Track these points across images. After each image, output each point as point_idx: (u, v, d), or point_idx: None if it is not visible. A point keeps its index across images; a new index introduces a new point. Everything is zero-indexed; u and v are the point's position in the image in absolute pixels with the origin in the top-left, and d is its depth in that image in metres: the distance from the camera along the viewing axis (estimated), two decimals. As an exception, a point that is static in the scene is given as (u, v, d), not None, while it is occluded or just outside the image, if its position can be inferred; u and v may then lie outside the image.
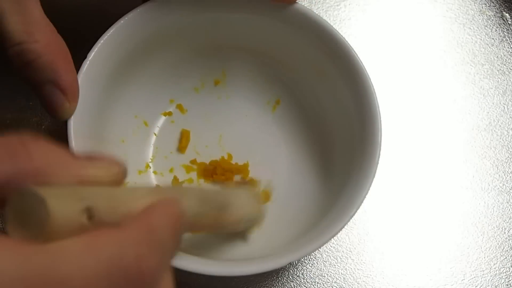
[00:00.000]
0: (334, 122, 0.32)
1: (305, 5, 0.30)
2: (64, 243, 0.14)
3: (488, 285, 0.34)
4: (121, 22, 0.28)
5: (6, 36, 0.23)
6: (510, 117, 0.38)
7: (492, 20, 0.40)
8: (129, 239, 0.15)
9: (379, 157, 0.27)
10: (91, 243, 0.14)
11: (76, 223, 0.15)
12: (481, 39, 0.40)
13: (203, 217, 0.22)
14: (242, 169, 0.33)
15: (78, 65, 0.26)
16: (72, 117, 0.26)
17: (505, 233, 0.35)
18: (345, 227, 0.26)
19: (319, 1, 0.40)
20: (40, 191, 0.15)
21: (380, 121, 0.28)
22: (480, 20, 0.40)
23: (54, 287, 0.13)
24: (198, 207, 0.22)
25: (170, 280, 0.18)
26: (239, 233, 0.30)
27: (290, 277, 0.33)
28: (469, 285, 0.34)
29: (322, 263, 0.33)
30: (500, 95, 0.38)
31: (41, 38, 0.23)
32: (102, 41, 0.27)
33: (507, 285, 0.34)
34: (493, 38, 0.40)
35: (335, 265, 0.33)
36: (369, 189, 0.26)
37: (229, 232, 0.29)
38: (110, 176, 0.17)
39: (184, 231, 0.18)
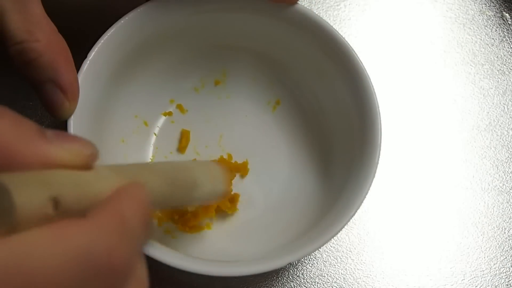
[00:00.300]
0: (334, 122, 0.32)
1: (305, 5, 0.30)
2: (30, 234, 0.13)
3: (488, 285, 0.34)
4: (121, 22, 0.28)
5: (7, 35, 0.23)
6: (510, 117, 0.38)
7: (492, 20, 0.40)
8: (98, 229, 0.14)
9: (379, 157, 0.27)
10: (58, 234, 0.13)
11: (41, 213, 0.14)
12: (481, 39, 0.40)
13: (169, 196, 0.22)
14: (242, 168, 0.33)
15: (78, 65, 0.26)
16: (72, 117, 0.26)
17: (505, 233, 0.35)
18: (345, 227, 0.26)
19: (319, 1, 0.40)
20: (4, 180, 0.14)
21: (380, 121, 0.28)
22: (480, 20, 0.40)
23: (20, 281, 0.12)
24: (165, 187, 0.21)
25: (144, 269, 0.17)
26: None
27: (290, 277, 0.33)
28: (469, 285, 0.34)
29: (322, 263, 0.33)
30: (500, 95, 0.38)
31: (42, 37, 0.23)
32: (102, 41, 0.27)
33: (507, 285, 0.34)
34: (493, 38, 0.40)
35: (335, 265, 0.33)
36: (369, 189, 0.26)
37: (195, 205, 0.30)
38: (79, 160, 0.17)
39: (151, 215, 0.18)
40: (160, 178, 0.21)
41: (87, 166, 0.17)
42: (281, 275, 0.33)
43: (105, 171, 0.18)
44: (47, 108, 0.25)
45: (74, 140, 0.17)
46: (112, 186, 0.17)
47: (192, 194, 0.24)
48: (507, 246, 0.35)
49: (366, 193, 0.26)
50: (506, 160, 0.37)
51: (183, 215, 0.30)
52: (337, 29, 0.29)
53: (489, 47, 0.40)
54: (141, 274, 0.17)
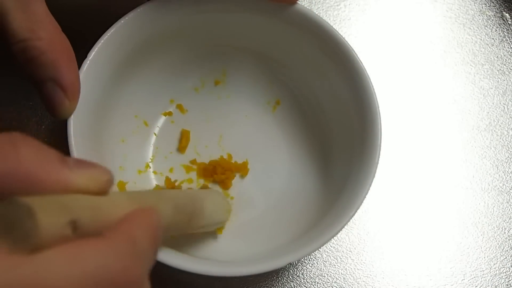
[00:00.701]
0: (334, 122, 0.32)
1: (305, 5, 0.30)
2: (49, 253, 0.14)
3: (488, 285, 0.34)
4: (121, 22, 0.28)
5: (10, 33, 0.23)
6: (510, 117, 0.38)
7: (492, 20, 0.40)
8: (113, 250, 0.15)
9: (379, 157, 0.27)
10: (76, 253, 0.14)
11: (61, 234, 0.15)
12: (481, 39, 0.40)
13: (177, 223, 0.23)
14: (242, 168, 0.33)
15: (78, 65, 0.26)
16: (72, 116, 0.26)
17: (505, 233, 0.35)
18: (345, 227, 0.26)
19: (319, 1, 0.40)
20: (29, 203, 0.15)
21: (380, 121, 0.28)
22: (480, 20, 0.40)
23: None
24: (172, 214, 0.23)
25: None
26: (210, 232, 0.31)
27: (290, 277, 0.33)
28: (469, 285, 0.34)
29: (322, 263, 0.33)
30: (500, 95, 0.38)
31: (45, 35, 0.23)
32: (102, 41, 0.27)
33: (507, 285, 0.34)
34: (493, 38, 0.40)
35: (335, 265, 0.33)
36: (369, 189, 0.26)
37: (197, 232, 0.30)
38: (96, 187, 0.17)
39: (161, 239, 0.19)
40: (170, 205, 0.23)
41: (104, 191, 0.18)
42: (281, 275, 0.33)
43: (119, 197, 0.19)
44: (47, 107, 0.25)
45: (93, 167, 0.18)
46: (125, 211, 0.18)
47: (199, 222, 0.25)
48: (507, 246, 0.35)
49: (366, 193, 0.26)
50: (506, 160, 0.37)
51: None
52: (337, 29, 0.29)
53: (489, 47, 0.40)
54: None
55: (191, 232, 0.28)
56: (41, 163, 0.16)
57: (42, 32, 0.23)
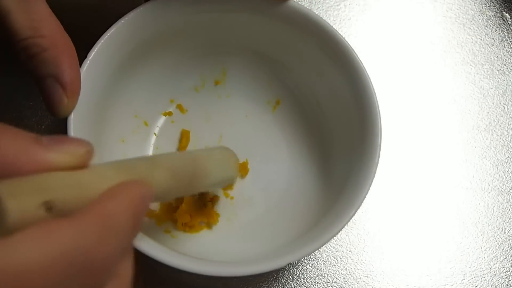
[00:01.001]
0: (334, 122, 0.32)
1: (305, 5, 0.30)
2: (18, 236, 0.14)
3: (488, 285, 0.34)
4: (121, 22, 0.28)
5: (13, 32, 0.24)
6: (510, 117, 0.38)
7: (492, 20, 0.40)
8: (80, 229, 0.15)
9: (379, 157, 0.27)
10: (43, 234, 0.14)
11: (36, 216, 0.15)
12: (481, 39, 0.40)
13: (176, 187, 0.22)
14: (242, 168, 0.33)
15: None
16: (72, 116, 0.26)
17: (505, 233, 0.35)
18: (345, 227, 0.26)
19: (319, 1, 0.40)
20: None
21: (380, 121, 0.28)
22: (480, 20, 0.40)
23: (9, 279, 0.13)
24: (169, 180, 0.22)
25: (129, 267, 0.18)
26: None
27: (290, 277, 0.33)
28: (469, 285, 0.34)
29: (322, 263, 0.33)
30: (500, 95, 0.38)
31: (47, 33, 0.24)
32: (102, 41, 0.27)
33: (507, 285, 0.34)
34: (493, 38, 0.40)
35: (335, 265, 0.33)
36: (369, 189, 0.26)
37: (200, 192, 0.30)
38: (75, 160, 0.17)
39: (147, 209, 0.18)
40: (165, 171, 0.22)
41: (84, 164, 0.18)
42: (281, 275, 0.33)
43: (104, 169, 0.18)
44: (46, 104, 0.25)
45: (68, 141, 0.18)
46: (109, 184, 0.17)
47: (202, 182, 0.25)
48: (507, 246, 0.35)
49: (366, 193, 0.26)
50: (506, 160, 0.37)
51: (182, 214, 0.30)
52: (337, 29, 0.29)
53: (489, 47, 0.40)
54: (125, 272, 0.18)
55: (197, 192, 0.28)
56: (14, 145, 0.16)
57: (44, 30, 0.24)
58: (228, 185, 0.30)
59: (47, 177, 0.16)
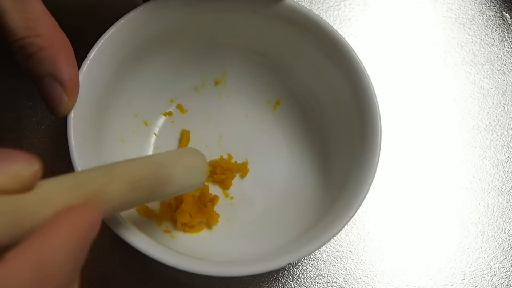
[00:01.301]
0: (334, 122, 0.32)
1: (305, 5, 0.30)
2: None
3: (488, 285, 0.34)
4: (121, 22, 0.28)
5: (9, 32, 0.23)
6: (510, 117, 0.38)
7: (492, 20, 0.40)
8: (12, 277, 0.13)
9: (378, 157, 0.27)
10: None
11: None
12: (481, 39, 0.40)
13: (134, 199, 0.21)
14: (242, 168, 0.33)
15: (78, 65, 0.26)
16: (72, 116, 0.25)
17: (505, 233, 0.35)
18: (345, 227, 0.26)
19: (319, 1, 0.40)
20: None
21: (380, 121, 0.28)
22: (480, 20, 0.40)
23: None
24: (127, 193, 0.21)
25: None
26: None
27: (290, 277, 0.33)
28: (469, 285, 0.34)
29: (322, 263, 0.33)
30: (500, 95, 0.38)
31: (43, 32, 0.23)
32: (102, 41, 0.27)
33: (507, 285, 0.34)
34: (493, 38, 0.40)
35: (335, 265, 0.33)
36: (368, 189, 0.26)
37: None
38: (17, 185, 0.15)
39: (94, 235, 0.17)
40: (123, 184, 0.20)
41: (27, 187, 0.16)
42: (281, 275, 0.33)
43: (51, 189, 0.17)
44: (45, 104, 0.24)
45: (12, 160, 0.15)
46: (54, 208, 0.16)
47: (165, 191, 0.24)
48: (507, 246, 0.35)
49: (366, 193, 0.26)
50: (506, 160, 0.37)
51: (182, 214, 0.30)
52: (337, 29, 0.29)
53: (489, 47, 0.40)
54: None
55: (159, 200, 0.27)
56: None
57: (40, 29, 0.23)
58: (195, 189, 0.29)
59: None
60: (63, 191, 0.17)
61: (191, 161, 0.26)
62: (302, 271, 0.33)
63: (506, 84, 0.39)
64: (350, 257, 0.34)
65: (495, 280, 0.34)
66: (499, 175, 0.36)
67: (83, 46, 0.27)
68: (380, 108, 0.28)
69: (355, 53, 0.29)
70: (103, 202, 0.19)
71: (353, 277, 0.33)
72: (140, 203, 0.23)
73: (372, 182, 0.27)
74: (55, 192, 0.17)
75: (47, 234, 0.15)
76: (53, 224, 0.15)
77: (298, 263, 0.33)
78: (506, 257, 0.34)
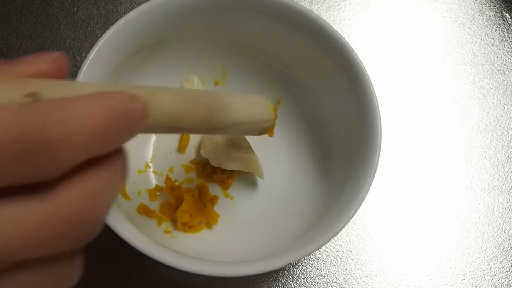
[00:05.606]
0: (334, 122, 0.32)
1: (305, 5, 0.30)
2: None
3: (488, 285, 0.34)
4: (121, 22, 0.28)
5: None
6: (510, 117, 0.38)
7: (492, 20, 0.40)
8: (35, 111, 0.13)
9: (378, 157, 0.27)
10: None
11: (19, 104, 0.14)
12: (481, 39, 0.40)
13: (189, 113, 0.19)
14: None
15: (78, 65, 0.26)
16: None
17: (505, 233, 0.35)
18: (345, 227, 0.26)
19: (319, 1, 0.40)
20: None
21: (380, 121, 0.28)
22: (480, 20, 0.40)
23: None
24: (180, 103, 0.19)
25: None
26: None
27: (290, 277, 0.33)
28: (469, 285, 0.34)
29: (322, 263, 0.33)
30: (500, 95, 0.38)
31: None
32: (102, 41, 0.27)
33: (507, 285, 0.34)
34: (493, 38, 0.40)
35: (335, 265, 0.33)
36: (368, 189, 0.26)
37: (228, 135, 0.26)
38: (47, 68, 0.16)
39: (137, 126, 0.16)
40: (174, 93, 0.19)
41: (60, 71, 0.16)
42: (281, 275, 0.33)
43: (91, 83, 0.16)
44: None
45: (36, 54, 0.16)
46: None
47: (225, 116, 0.21)
48: (507, 246, 0.35)
49: (366, 193, 0.26)
50: (506, 160, 0.37)
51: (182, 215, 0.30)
52: (337, 29, 0.29)
53: (489, 47, 0.40)
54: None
55: (215, 132, 0.23)
56: None
57: None
58: (264, 130, 0.26)
59: (31, 78, 0.15)
60: (103, 87, 0.16)
61: (253, 96, 0.24)
62: (302, 271, 0.33)
63: (506, 84, 0.39)
64: (350, 257, 0.34)
65: (495, 280, 0.34)
66: (499, 175, 0.36)
67: (83, 46, 0.27)
68: (380, 108, 0.28)
69: (355, 53, 0.29)
70: (151, 104, 0.17)
71: (353, 277, 0.33)
72: (198, 124, 0.20)
73: (372, 182, 0.27)
74: (95, 84, 0.16)
75: (80, 98, 0.15)
76: (89, 98, 0.15)
77: (298, 263, 0.33)
78: (506, 257, 0.34)
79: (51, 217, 0.14)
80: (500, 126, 0.38)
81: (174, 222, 0.31)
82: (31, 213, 0.14)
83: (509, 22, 0.40)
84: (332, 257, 0.33)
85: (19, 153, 0.13)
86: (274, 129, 0.27)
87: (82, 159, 0.15)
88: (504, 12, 0.40)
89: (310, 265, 0.33)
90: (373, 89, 0.28)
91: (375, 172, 0.27)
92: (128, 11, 0.28)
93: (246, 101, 0.24)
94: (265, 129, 0.26)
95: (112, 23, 0.28)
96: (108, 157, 0.16)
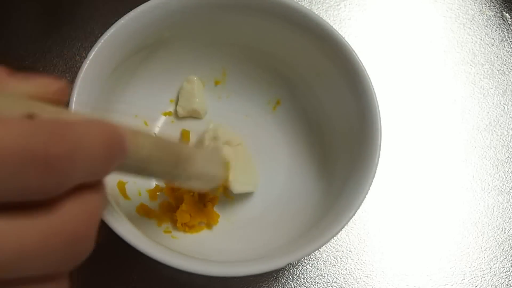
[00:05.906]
0: (334, 122, 0.32)
1: (305, 5, 0.30)
2: None
3: (488, 285, 0.34)
4: (121, 22, 0.28)
5: None
6: (510, 117, 0.38)
7: (492, 20, 0.40)
8: (41, 128, 0.14)
9: (378, 157, 0.27)
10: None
11: None
12: (481, 39, 0.40)
13: (158, 159, 0.21)
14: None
15: (78, 65, 0.26)
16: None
17: (505, 233, 0.35)
18: (345, 227, 0.26)
19: (319, 1, 0.40)
20: None
21: (380, 121, 0.28)
22: (480, 20, 0.40)
23: None
24: (153, 149, 0.20)
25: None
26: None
27: (290, 277, 0.33)
28: (469, 285, 0.34)
29: (322, 263, 0.33)
30: (500, 95, 0.38)
31: None
32: (102, 41, 0.27)
33: (507, 285, 0.34)
34: (493, 38, 0.40)
35: (335, 265, 0.33)
36: (368, 189, 0.26)
37: (187, 187, 0.28)
38: (49, 93, 0.17)
39: (123, 155, 0.17)
40: (148, 140, 0.20)
41: (58, 99, 0.17)
42: (281, 275, 0.33)
43: (84, 113, 0.18)
44: None
45: (41, 76, 0.17)
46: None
47: (186, 168, 0.23)
48: (507, 246, 0.35)
49: (366, 193, 0.26)
50: (506, 160, 0.37)
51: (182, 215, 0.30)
52: (337, 29, 0.29)
53: (489, 47, 0.40)
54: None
55: (177, 181, 0.25)
56: None
57: None
58: (217, 186, 0.29)
59: (31, 100, 0.16)
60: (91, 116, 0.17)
61: (211, 153, 0.27)
62: (302, 271, 0.33)
63: (506, 84, 0.39)
64: (350, 257, 0.34)
65: (495, 280, 0.34)
66: (499, 175, 0.36)
67: (83, 46, 0.27)
68: (380, 108, 0.28)
69: (355, 53, 0.29)
70: (130, 143, 0.18)
71: (353, 277, 0.33)
72: (164, 170, 0.22)
73: (372, 182, 0.27)
74: (87, 115, 0.17)
75: (82, 122, 0.15)
76: (84, 123, 0.15)
77: (298, 263, 0.33)
78: (506, 257, 0.34)
79: (49, 233, 0.14)
80: (500, 126, 0.38)
81: (174, 222, 0.31)
82: (30, 228, 0.14)
83: (509, 22, 0.40)
84: (332, 257, 0.33)
85: (22, 167, 0.13)
86: (226, 188, 0.30)
87: (81, 180, 0.15)
88: (504, 12, 0.40)
89: (310, 265, 0.33)
90: (373, 89, 0.28)
91: (375, 172, 0.27)
92: (128, 11, 0.28)
93: (207, 157, 0.26)
94: (218, 186, 0.29)
95: (112, 23, 0.28)
96: (97, 183, 0.16)
